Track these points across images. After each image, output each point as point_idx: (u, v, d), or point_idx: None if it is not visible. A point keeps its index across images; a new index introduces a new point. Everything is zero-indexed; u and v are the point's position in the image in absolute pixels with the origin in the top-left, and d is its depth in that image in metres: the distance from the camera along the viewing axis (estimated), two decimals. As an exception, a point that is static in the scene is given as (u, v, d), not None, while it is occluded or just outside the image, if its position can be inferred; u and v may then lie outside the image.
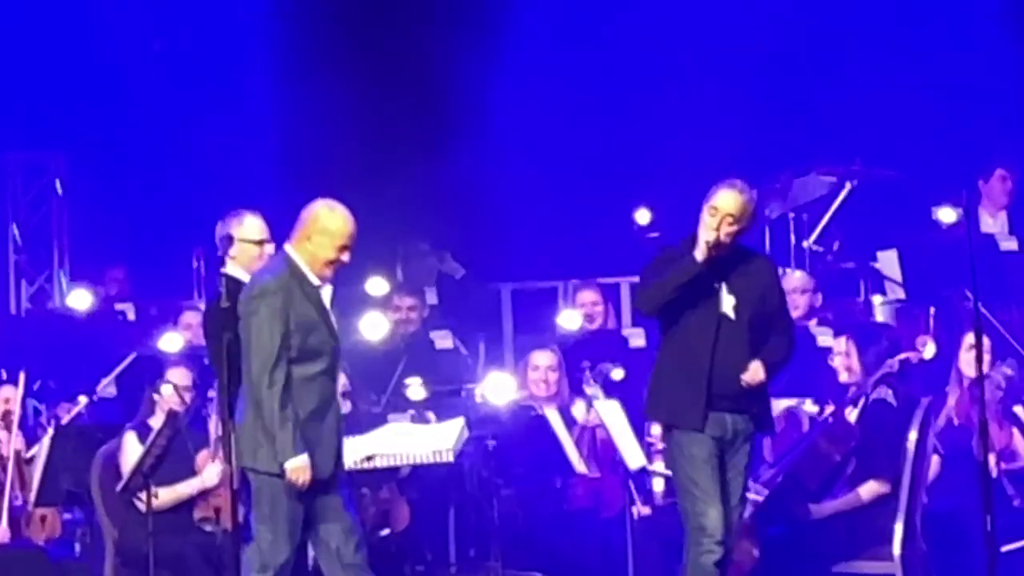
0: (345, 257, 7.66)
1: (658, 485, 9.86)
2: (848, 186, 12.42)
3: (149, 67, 13.51)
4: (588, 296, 11.76)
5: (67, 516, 10.33)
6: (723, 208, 7.67)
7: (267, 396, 7.55)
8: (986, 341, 8.93)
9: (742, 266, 7.82)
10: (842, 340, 9.41)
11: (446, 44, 13.56)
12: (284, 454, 7.45)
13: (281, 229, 8.18)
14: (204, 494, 9.31)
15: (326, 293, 7.79)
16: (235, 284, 7.93)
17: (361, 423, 9.82)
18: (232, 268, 8.13)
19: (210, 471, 9.03)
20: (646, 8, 13.08)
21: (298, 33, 13.51)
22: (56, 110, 13.37)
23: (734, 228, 7.72)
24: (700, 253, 7.67)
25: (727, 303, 7.81)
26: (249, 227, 8.21)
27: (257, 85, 13.37)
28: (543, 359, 10.34)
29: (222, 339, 7.72)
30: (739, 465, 7.83)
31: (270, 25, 13.46)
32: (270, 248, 8.28)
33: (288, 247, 7.73)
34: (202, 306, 10.48)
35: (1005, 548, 8.62)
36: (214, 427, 9.21)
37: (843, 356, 9.27)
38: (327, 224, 7.58)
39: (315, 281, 7.64)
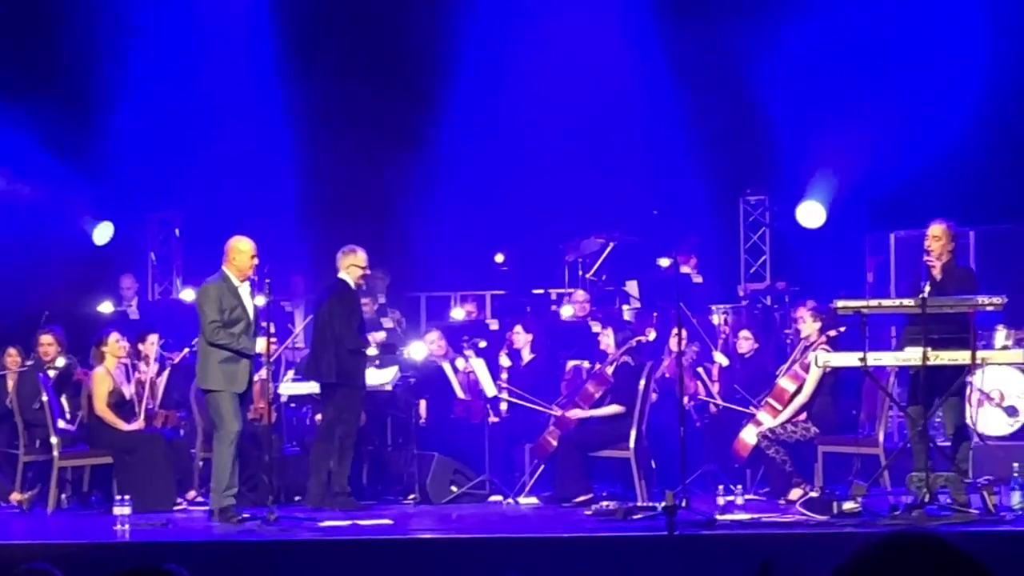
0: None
1: (503, 406, 11.96)
2: (611, 244, 14.43)
3: (225, 158, 14.49)
4: (468, 305, 14.56)
5: (178, 414, 12.08)
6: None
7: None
8: (683, 332, 10.62)
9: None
10: (607, 329, 11.45)
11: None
12: None
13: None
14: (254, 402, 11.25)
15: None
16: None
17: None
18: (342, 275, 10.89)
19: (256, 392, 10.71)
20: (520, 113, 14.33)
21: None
22: (174, 186, 15.08)
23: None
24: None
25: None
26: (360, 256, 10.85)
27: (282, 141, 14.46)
28: (432, 336, 12.72)
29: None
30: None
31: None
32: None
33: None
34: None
35: (681, 433, 9.65)
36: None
37: (605, 337, 11.32)
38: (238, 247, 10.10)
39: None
